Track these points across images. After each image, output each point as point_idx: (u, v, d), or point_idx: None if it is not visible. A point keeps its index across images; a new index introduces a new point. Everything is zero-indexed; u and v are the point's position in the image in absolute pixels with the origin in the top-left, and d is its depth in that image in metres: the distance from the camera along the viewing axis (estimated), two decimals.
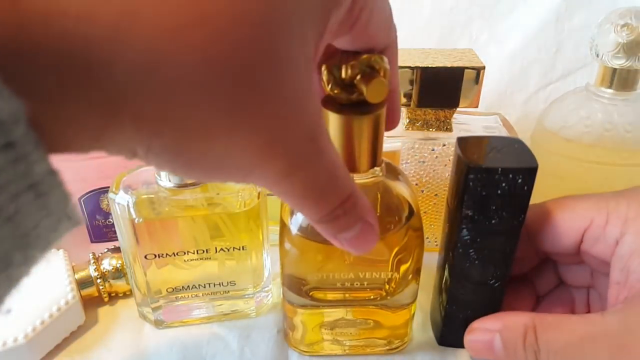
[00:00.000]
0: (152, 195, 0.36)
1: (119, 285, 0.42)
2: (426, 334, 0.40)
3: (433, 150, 0.45)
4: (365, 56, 0.28)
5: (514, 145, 0.34)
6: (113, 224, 0.41)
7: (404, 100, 0.43)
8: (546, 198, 0.45)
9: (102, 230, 0.46)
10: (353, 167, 0.31)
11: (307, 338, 0.38)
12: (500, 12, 0.58)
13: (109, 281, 0.41)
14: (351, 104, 0.30)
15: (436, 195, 0.47)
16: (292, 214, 0.34)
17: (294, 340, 0.39)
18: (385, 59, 0.29)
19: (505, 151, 0.33)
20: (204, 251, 0.38)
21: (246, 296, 0.41)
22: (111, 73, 0.14)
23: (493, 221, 0.32)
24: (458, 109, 0.44)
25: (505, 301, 0.36)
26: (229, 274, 0.40)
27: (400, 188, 0.34)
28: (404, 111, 0.45)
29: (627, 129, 0.41)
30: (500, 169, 0.31)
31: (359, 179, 0.32)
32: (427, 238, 0.49)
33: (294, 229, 0.33)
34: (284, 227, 0.34)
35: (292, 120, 0.18)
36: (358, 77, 0.28)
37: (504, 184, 0.31)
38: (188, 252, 0.38)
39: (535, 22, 0.57)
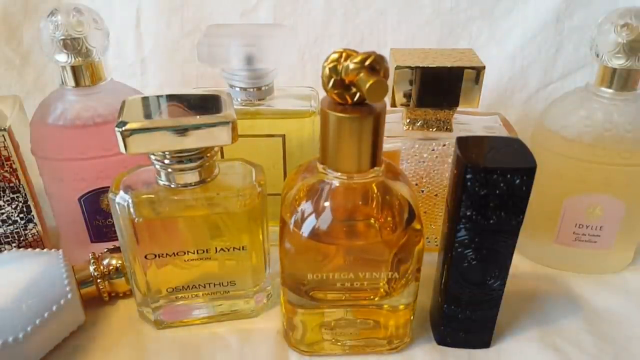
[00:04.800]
0: (152, 195, 0.36)
1: (119, 285, 0.42)
2: (426, 334, 0.40)
3: (433, 150, 0.45)
4: (365, 56, 0.28)
5: (513, 145, 0.34)
6: (113, 224, 0.42)
7: (404, 100, 0.43)
8: (546, 198, 0.45)
9: (102, 230, 0.46)
10: (353, 167, 0.32)
11: (307, 338, 0.38)
12: (500, 12, 0.57)
13: (108, 281, 0.41)
14: (351, 104, 0.30)
15: (436, 195, 0.47)
16: (292, 213, 0.34)
17: (294, 340, 0.39)
18: (386, 59, 0.29)
19: (504, 151, 0.33)
20: (204, 251, 0.38)
21: (246, 296, 0.41)
22: None
23: (491, 221, 0.32)
24: (458, 109, 0.44)
25: None
26: (229, 274, 0.40)
27: (400, 188, 0.34)
28: (404, 111, 0.45)
29: (627, 128, 0.41)
30: (498, 169, 0.31)
31: (359, 179, 0.32)
32: (427, 238, 0.49)
33: (294, 228, 0.33)
34: (284, 227, 0.34)
35: None
36: (358, 77, 0.28)
37: (502, 184, 0.31)
38: (188, 252, 0.38)
39: (535, 22, 0.57)
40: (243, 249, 0.38)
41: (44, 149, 0.42)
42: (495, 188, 0.31)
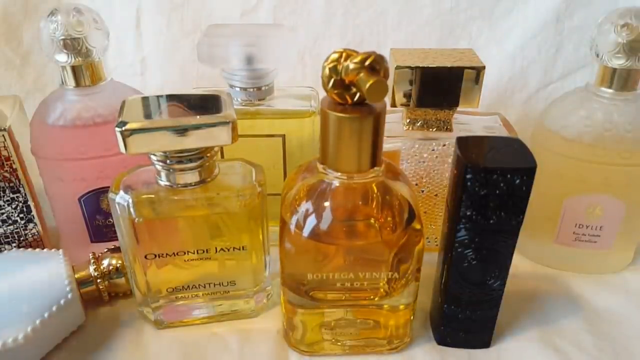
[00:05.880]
0: (152, 195, 0.36)
1: (119, 285, 0.42)
2: (426, 334, 0.40)
3: (433, 150, 0.45)
4: (365, 56, 0.28)
5: (513, 145, 0.34)
6: (113, 224, 0.42)
7: (404, 100, 0.43)
8: (546, 198, 0.45)
9: (102, 230, 0.46)
10: (353, 167, 0.32)
11: (307, 338, 0.38)
12: (500, 12, 0.58)
13: (108, 281, 0.41)
14: (351, 104, 0.30)
15: (436, 195, 0.47)
16: (292, 213, 0.34)
17: (294, 340, 0.39)
18: (386, 59, 0.29)
19: (504, 151, 0.33)
20: (204, 251, 0.38)
21: (246, 296, 0.41)
22: None
23: (491, 221, 0.32)
24: (458, 109, 0.44)
25: None
26: (229, 274, 0.40)
27: (400, 188, 0.34)
28: (404, 111, 0.45)
29: (627, 128, 0.41)
30: (498, 169, 0.31)
31: (359, 179, 0.32)
32: (427, 238, 0.49)
33: (294, 228, 0.33)
34: (284, 227, 0.34)
35: None
36: (358, 77, 0.28)
37: (502, 184, 0.31)
38: (188, 252, 0.38)
39: (535, 22, 0.57)
40: (243, 249, 0.38)
41: (44, 149, 0.42)
42: (495, 188, 0.31)
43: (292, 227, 0.33)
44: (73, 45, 0.39)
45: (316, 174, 0.33)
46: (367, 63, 0.28)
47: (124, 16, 0.59)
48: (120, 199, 0.35)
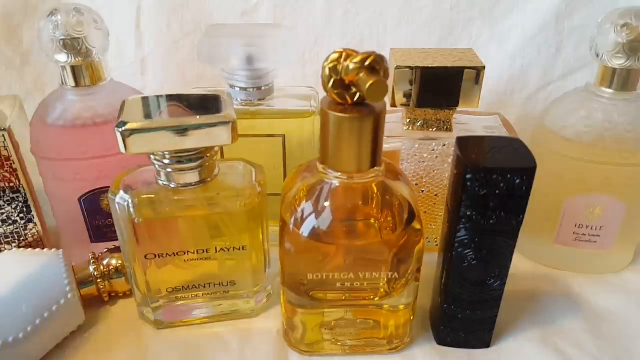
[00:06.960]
0: (152, 195, 0.36)
1: (119, 285, 0.42)
2: (426, 334, 0.40)
3: (433, 150, 0.45)
4: (365, 56, 0.28)
5: (513, 145, 0.34)
6: (113, 224, 0.42)
7: (404, 100, 0.43)
8: (546, 198, 0.45)
9: (102, 230, 0.46)
10: (353, 167, 0.32)
11: (307, 338, 0.38)
12: (500, 12, 0.58)
13: (108, 281, 0.41)
14: (351, 104, 0.30)
15: (436, 195, 0.47)
16: (292, 213, 0.34)
17: (294, 340, 0.39)
18: (386, 59, 0.29)
19: (504, 151, 0.33)
20: (204, 251, 0.38)
21: (246, 296, 0.41)
22: None
23: (491, 221, 0.32)
24: (458, 109, 0.44)
25: None
26: (229, 274, 0.40)
27: (400, 188, 0.34)
28: (404, 111, 0.45)
29: (627, 128, 0.41)
30: (498, 169, 0.31)
31: (359, 179, 0.32)
32: (427, 238, 0.49)
33: (294, 228, 0.33)
34: (284, 227, 0.34)
35: None
36: (358, 77, 0.28)
37: (502, 184, 0.31)
38: (188, 252, 0.38)
39: (535, 22, 0.57)
40: (243, 248, 0.38)
41: (44, 149, 0.42)
42: (495, 188, 0.31)
43: (292, 227, 0.33)
44: (73, 45, 0.39)
45: (316, 174, 0.33)
46: (367, 63, 0.28)
47: (124, 16, 0.59)
48: (120, 199, 0.35)
